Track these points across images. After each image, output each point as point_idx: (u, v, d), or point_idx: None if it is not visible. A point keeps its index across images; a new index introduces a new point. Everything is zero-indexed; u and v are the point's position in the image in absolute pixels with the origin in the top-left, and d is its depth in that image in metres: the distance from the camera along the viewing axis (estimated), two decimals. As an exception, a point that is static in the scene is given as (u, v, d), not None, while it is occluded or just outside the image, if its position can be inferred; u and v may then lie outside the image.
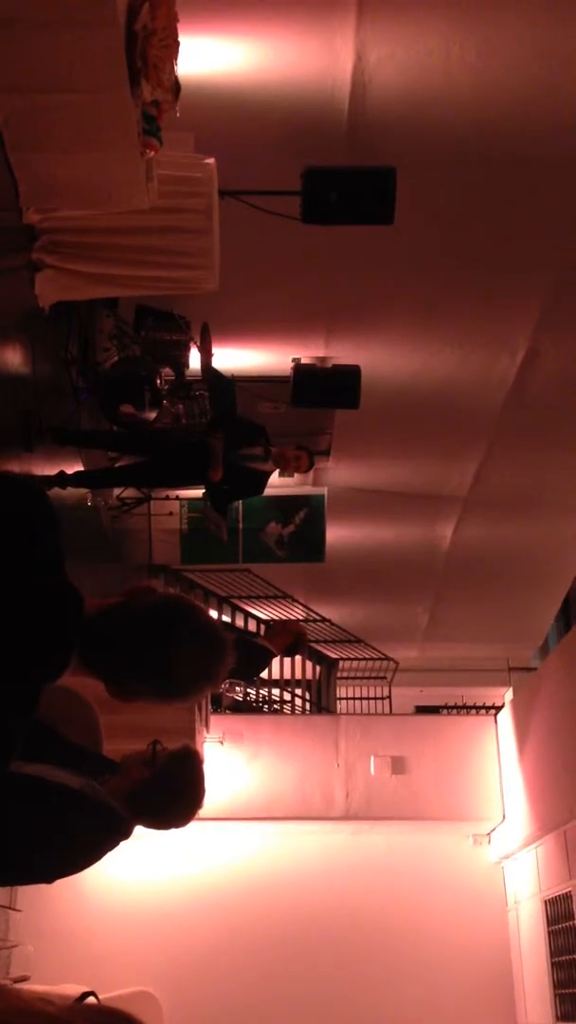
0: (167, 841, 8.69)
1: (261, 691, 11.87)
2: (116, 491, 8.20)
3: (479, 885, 9.84)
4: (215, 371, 7.35)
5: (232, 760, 9.51)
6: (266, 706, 11.88)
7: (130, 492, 8.45)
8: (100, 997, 4.60)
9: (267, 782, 9.58)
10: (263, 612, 11.22)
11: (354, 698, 12.88)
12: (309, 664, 12.34)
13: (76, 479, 6.14)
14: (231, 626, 7.18)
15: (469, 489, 10.02)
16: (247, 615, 11.32)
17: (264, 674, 11.63)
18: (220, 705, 10.47)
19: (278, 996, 9.12)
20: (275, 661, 11.48)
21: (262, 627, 10.28)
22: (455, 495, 10.17)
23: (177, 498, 9.29)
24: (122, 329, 7.36)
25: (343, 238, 6.69)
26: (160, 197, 5.21)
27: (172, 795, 2.65)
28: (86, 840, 2.54)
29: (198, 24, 5.32)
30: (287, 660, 11.74)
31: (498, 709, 10.77)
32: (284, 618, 6.32)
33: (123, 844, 2.65)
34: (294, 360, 8.28)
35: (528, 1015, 9.05)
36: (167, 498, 9.09)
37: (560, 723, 8.40)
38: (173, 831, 2.75)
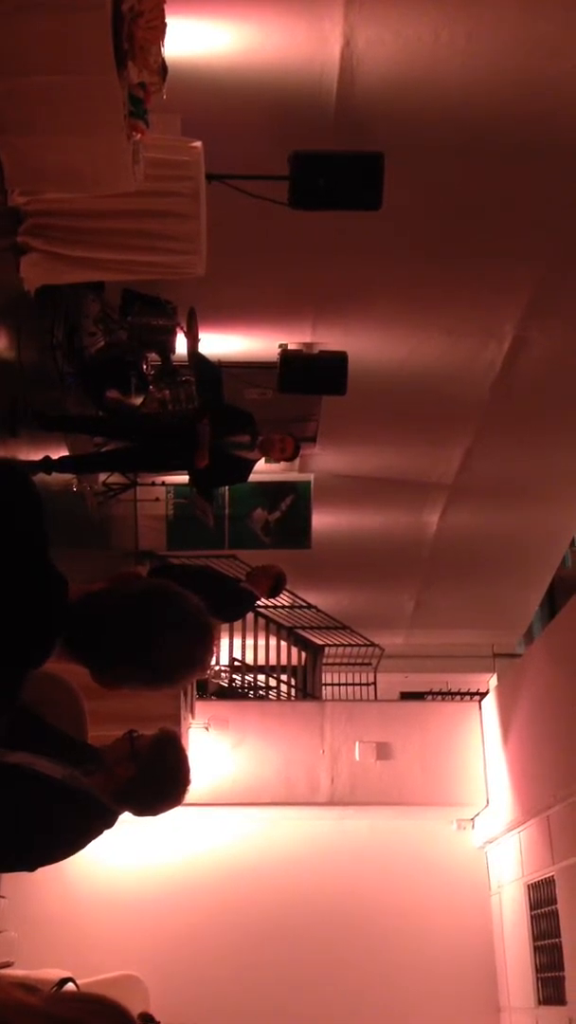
0: (152, 827, 8.69)
1: (247, 677, 11.89)
2: (102, 477, 8.16)
3: (463, 870, 9.90)
4: (202, 357, 7.31)
5: (217, 746, 9.52)
6: (251, 692, 11.90)
7: (116, 478, 8.42)
8: (86, 980, 4.60)
9: (252, 768, 9.60)
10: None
11: (339, 684, 12.91)
12: (295, 650, 12.37)
13: (61, 464, 6.11)
14: (216, 571, 7.15)
15: (455, 476, 10.03)
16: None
17: (249, 660, 11.67)
18: (206, 691, 10.48)
19: (263, 978, 9.17)
20: (261, 648, 11.60)
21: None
22: (441, 482, 10.18)
23: (163, 484, 9.26)
24: (108, 314, 7.31)
25: (331, 223, 6.66)
26: (147, 180, 5.17)
27: (160, 786, 2.65)
28: (69, 829, 2.54)
29: (185, 6, 5.27)
30: (272, 645, 11.79)
31: (483, 695, 10.82)
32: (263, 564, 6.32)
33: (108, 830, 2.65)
34: (281, 346, 8.24)
35: (511, 998, 9.13)
36: (153, 484, 9.06)
37: (544, 709, 8.45)
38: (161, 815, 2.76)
